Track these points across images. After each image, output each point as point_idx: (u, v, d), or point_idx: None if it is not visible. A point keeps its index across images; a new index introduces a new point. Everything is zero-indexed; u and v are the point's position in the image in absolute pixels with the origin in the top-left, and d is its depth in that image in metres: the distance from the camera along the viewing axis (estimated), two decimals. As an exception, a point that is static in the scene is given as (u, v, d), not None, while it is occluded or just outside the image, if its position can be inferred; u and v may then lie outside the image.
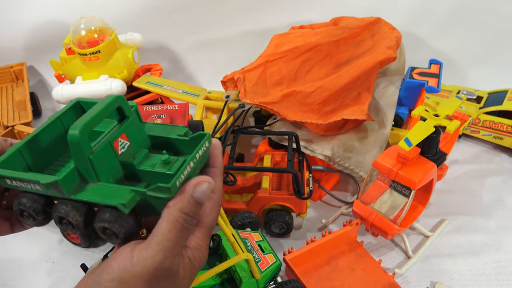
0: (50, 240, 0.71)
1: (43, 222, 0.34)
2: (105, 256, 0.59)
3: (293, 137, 0.69)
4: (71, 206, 0.32)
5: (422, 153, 0.60)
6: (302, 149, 0.71)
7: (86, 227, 0.32)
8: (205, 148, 0.35)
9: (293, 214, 0.69)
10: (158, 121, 0.70)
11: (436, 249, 0.67)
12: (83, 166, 0.32)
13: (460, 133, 0.88)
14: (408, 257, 0.65)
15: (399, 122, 0.82)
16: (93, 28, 0.85)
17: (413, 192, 0.59)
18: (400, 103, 0.83)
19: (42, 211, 0.33)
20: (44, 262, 0.67)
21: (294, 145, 0.70)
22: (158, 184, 0.30)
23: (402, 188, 0.61)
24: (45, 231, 0.72)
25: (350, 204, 0.74)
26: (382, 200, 0.63)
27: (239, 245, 0.53)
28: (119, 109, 0.35)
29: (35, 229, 0.73)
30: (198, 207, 0.32)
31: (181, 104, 0.75)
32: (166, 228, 0.30)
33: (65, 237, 0.69)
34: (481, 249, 0.66)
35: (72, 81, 0.88)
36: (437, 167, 0.61)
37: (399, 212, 0.60)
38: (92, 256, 0.68)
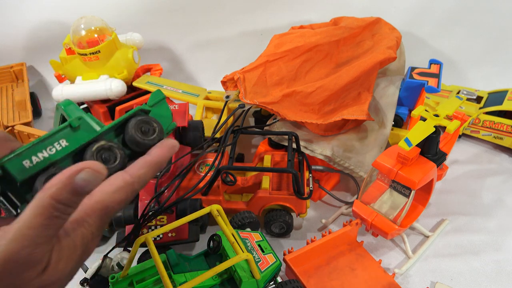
0: (50, 240, 0.71)
1: None
2: (105, 256, 0.59)
3: (293, 137, 0.69)
4: (104, 137, 0.34)
5: (422, 153, 0.61)
6: (302, 149, 0.72)
7: (124, 151, 0.34)
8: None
9: (293, 214, 0.69)
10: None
11: (436, 249, 0.67)
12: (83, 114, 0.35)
13: (460, 133, 0.88)
14: (408, 257, 0.65)
15: (399, 122, 0.82)
16: (93, 28, 0.85)
17: (413, 192, 0.59)
18: (400, 103, 0.83)
19: (73, 160, 0.34)
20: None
21: (294, 145, 0.70)
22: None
23: (402, 188, 0.61)
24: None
25: (350, 204, 0.74)
26: (382, 200, 0.63)
27: (239, 245, 0.53)
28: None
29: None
30: (77, 196, 0.27)
31: (181, 104, 0.75)
32: (30, 214, 0.26)
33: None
34: (481, 249, 0.66)
35: (72, 81, 0.88)
36: (437, 167, 0.61)
37: (399, 212, 0.60)
38: (92, 256, 0.68)
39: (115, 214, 0.31)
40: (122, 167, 0.34)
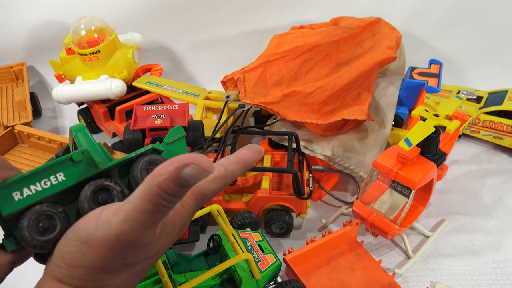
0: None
1: (67, 223, 0.30)
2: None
3: (293, 137, 0.69)
4: (105, 176, 0.32)
5: (422, 153, 0.61)
6: (302, 149, 0.72)
7: (123, 194, 0.32)
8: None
9: (293, 214, 0.69)
10: (158, 121, 0.70)
11: (436, 249, 0.67)
12: (94, 144, 0.33)
13: (460, 133, 0.88)
14: (408, 257, 0.65)
15: (399, 122, 0.82)
16: (93, 28, 0.85)
17: (413, 192, 0.59)
18: (400, 103, 0.83)
19: (64, 202, 0.31)
20: (44, 262, 0.67)
21: (294, 145, 0.70)
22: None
23: (402, 188, 0.61)
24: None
25: (350, 204, 0.74)
26: (382, 200, 0.63)
27: (239, 245, 0.53)
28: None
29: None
30: (183, 188, 0.27)
31: (181, 104, 0.75)
32: (140, 198, 0.27)
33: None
34: (481, 249, 0.66)
35: (72, 81, 0.88)
36: (437, 167, 0.61)
37: (399, 212, 0.60)
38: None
39: (209, 200, 0.33)
40: None
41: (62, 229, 0.30)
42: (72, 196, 0.31)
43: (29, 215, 0.29)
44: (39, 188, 0.30)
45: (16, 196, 0.29)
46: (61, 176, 0.30)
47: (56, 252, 0.29)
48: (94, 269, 0.28)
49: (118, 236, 0.27)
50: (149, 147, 0.34)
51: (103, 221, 0.28)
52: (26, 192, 0.29)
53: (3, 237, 0.30)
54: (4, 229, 0.30)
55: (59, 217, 0.30)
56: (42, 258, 0.32)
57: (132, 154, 0.33)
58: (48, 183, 0.30)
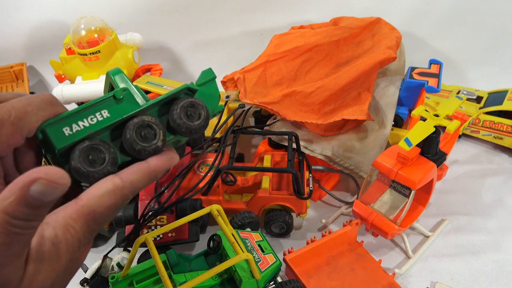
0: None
1: (114, 159, 0.31)
2: (105, 256, 0.59)
3: (293, 137, 0.69)
4: (145, 114, 0.32)
5: (422, 153, 0.61)
6: (302, 149, 0.71)
7: (164, 131, 0.32)
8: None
9: (293, 214, 0.69)
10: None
11: (436, 249, 0.67)
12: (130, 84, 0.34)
13: (460, 133, 0.88)
14: (408, 257, 0.65)
15: (399, 122, 0.82)
16: (93, 28, 0.85)
17: (413, 192, 0.59)
18: (400, 103, 0.83)
19: (110, 139, 0.32)
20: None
21: (294, 145, 0.70)
22: None
23: (402, 188, 0.61)
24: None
25: (350, 204, 0.74)
26: (382, 200, 0.63)
27: (239, 245, 0.53)
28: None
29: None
30: (37, 209, 0.23)
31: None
32: None
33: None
34: (481, 249, 0.66)
35: (72, 81, 0.88)
36: (437, 167, 0.61)
37: (399, 212, 0.60)
38: (92, 256, 0.68)
39: (106, 221, 0.29)
40: (162, 147, 0.32)
41: (109, 160, 0.31)
42: (117, 133, 0.32)
43: (80, 148, 0.30)
44: (86, 124, 0.31)
45: (66, 131, 0.30)
46: (105, 113, 0.32)
47: None
48: None
49: None
50: (184, 86, 0.34)
51: None
52: (75, 127, 0.30)
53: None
54: (55, 164, 0.31)
55: (107, 150, 0.31)
56: None
57: (169, 93, 0.33)
58: (95, 119, 0.31)
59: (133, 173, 0.29)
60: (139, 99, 0.33)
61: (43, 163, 0.33)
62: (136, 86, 0.34)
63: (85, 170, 0.30)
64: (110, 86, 0.36)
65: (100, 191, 0.28)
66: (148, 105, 0.33)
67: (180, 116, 0.33)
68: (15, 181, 0.23)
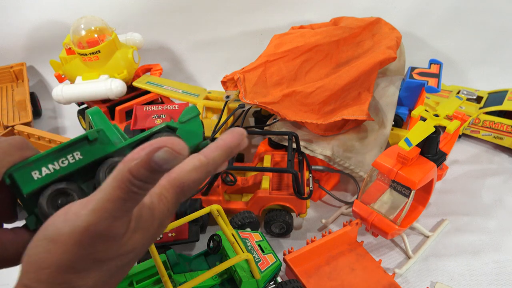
0: (50, 240, 0.71)
1: (83, 195, 0.31)
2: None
3: (293, 137, 0.69)
4: (120, 154, 0.32)
5: (422, 153, 0.60)
6: (302, 149, 0.71)
7: None
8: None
9: (293, 214, 0.69)
10: (158, 121, 0.70)
11: (436, 249, 0.67)
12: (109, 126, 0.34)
13: (460, 133, 0.88)
14: (408, 257, 0.65)
15: (399, 122, 0.82)
16: (93, 28, 0.85)
17: (413, 192, 0.59)
18: (400, 103, 0.83)
19: (82, 180, 0.32)
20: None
21: (294, 145, 0.70)
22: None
23: (402, 188, 0.61)
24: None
25: (350, 204, 0.74)
26: (382, 200, 0.63)
27: (239, 245, 0.53)
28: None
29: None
30: (156, 174, 0.26)
31: (181, 104, 0.75)
32: (110, 187, 0.26)
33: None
34: (481, 249, 0.66)
35: (72, 81, 0.88)
36: (437, 167, 0.61)
37: (399, 212, 0.60)
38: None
39: (191, 193, 0.31)
40: None
41: None
42: (90, 174, 0.32)
43: (47, 193, 0.30)
44: (57, 167, 0.30)
45: (35, 175, 0.30)
46: (78, 155, 0.31)
47: (25, 256, 0.27)
48: (62, 268, 0.26)
49: (87, 228, 0.26)
50: (163, 125, 0.34)
51: (72, 214, 0.26)
52: (44, 171, 0.30)
53: (26, 217, 0.31)
54: (25, 208, 0.31)
55: (76, 193, 0.31)
56: None
57: (147, 133, 0.33)
58: (66, 162, 0.31)
59: (214, 150, 0.31)
60: (115, 140, 0.33)
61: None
62: (114, 126, 0.34)
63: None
64: (89, 125, 0.36)
65: (189, 167, 0.30)
66: (123, 146, 0.33)
67: None
68: (143, 146, 0.26)
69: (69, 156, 0.31)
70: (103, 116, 0.34)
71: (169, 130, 0.34)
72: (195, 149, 0.36)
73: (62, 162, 0.31)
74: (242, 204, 0.69)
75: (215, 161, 0.31)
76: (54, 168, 0.30)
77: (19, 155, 0.30)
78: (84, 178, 0.32)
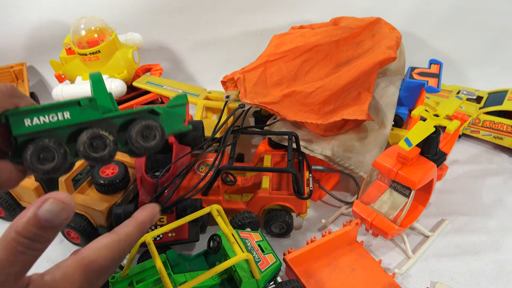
0: (50, 240, 0.71)
1: (64, 159, 0.35)
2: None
3: (293, 137, 0.69)
4: (104, 125, 0.35)
5: (422, 153, 0.60)
6: (302, 149, 0.71)
7: (115, 143, 0.35)
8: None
9: (293, 214, 0.69)
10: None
11: (436, 249, 0.67)
12: (105, 94, 0.36)
13: (460, 133, 0.88)
14: (408, 257, 0.65)
15: (399, 122, 0.82)
16: (93, 28, 0.85)
17: (413, 192, 0.59)
18: (400, 103, 0.83)
19: (67, 140, 0.35)
20: (44, 262, 0.67)
21: (294, 145, 0.70)
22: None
23: (402, 188, 0.61)
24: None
25: (350, 204, 0.74)
26: (382, 200, 0.63)
27: (239, 245, 0.53)
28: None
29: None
30: (44, 230, 0.26)
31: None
32: None
33: (65, 237, 0.69)
34: (481, 249, 0.66)
35: (72, 81, 0.88)
36: (437, 167, 0.61)
37: (399, 212, 0.60)
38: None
39: (106, 274, 0.31)
40: (110, 157, 0.35)
41: (57, 164, 0.34)
42: (74, 138, 0.35)
43: (34, 145, 0.33)
44: (46, 120, 0.34)
45: (27, 122, 0.33)
46: (67, 115, 0.34)
47: None
48: None
49: None
50: (149, 107, 0.36)
51: None
52: (35, 121, 0.34)
53: (11, 154, 0.35)
54: (14, 149, 0.34)
55: (58, 153, 0.34)
56: None
57: (131, 111, 0.36)
58: (55, 118, 0.34)
59: (127, 227, 0.32)
60: (105, 110, 0.36)
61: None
62: (110, 95, 0.36)
63: (33, 167, 0.33)
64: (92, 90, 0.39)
65: (99, 244, 0.30)
66: (108, 117, 0.36)
67: (136, 139, 0.36)
68: (29, 207, 0.26)
69: (59, 113, 0.34)
70: (102, 84, 0.37)
71: (152, 113, 0.36)
72: (179, 136, 0.37)
73: (52, 118, 0.34)
74: (242, 204, 0.69)
75: (127, 238, 0.31)
76: (44, 121, 0.34)
77: (10, 102, 0.33)
78: (68, 140, 0.35)
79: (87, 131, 0.35)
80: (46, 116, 0.34)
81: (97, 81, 0.36)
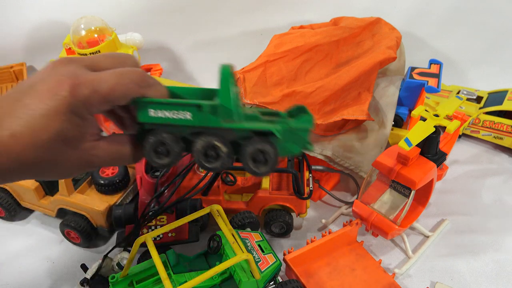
0: (50, 240, 0.71)
1: (178, 157, 0.37)
2: (105, 256, 0.59)
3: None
4: (219, 135, 0.35)
5: (422, 153, 0.60)
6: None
7: (229, 156, 0.36)
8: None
9: (293, 214, 0.69)
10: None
11: (436, 249, 0.67)
12: (230, 101, 0.35)
13: (460, 133, 0.88)
14: (408, 257, 0.65)
15: (399, 122, 0.82)
16: (93, 28, 0.85)
17: (413, 192, 0.59)
18: (400, 103, 0.83)
19: (184, 140, 0.37)
20: (44, 262, 0.67)
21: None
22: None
23: (402, 188, 0.61)
24: (45, 231, 0.72)
25: (350, 204, 0.74)
26: (382, 200, 0.63)
27: (239, 245, 0.53)
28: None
29: (35, 229, 0.73)
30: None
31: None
32: None
33: (65, 237, 0.69)
34: (481, 249, 0.66)
35: (72, 81, 0.88)
36: (437, 167, 0.61)
37: (399, 212, 0.60)
38: (92, 256, 0.68)
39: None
40: (222, 169, 0.36)
41: (171, 161, 0.37)
42: (191, 138, 0.37)
43: (154, 138, 0.36)
44: (169, 116, 0.36)
45: (151, 112, 0.36)
46: (188, 115, 0.35)
47: None
48: None
49: None
50: (271, 128, 0.35)
51: None
52: (159, 113, 0.36)
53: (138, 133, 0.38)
54: (138, 133, 0.37)
55: (174, 150, 0.36)
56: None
57: (252, 127, 0.35)
58: (177, 116, 0.36)
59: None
60: (224, 114, 0.35)
61: None
62: (236, 95, 0.35)
63: (150, 158, 0.37)
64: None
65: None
66: (226, 127, 0.35)
67: (247, 161, 0.36)
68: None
69: (181, 112, 0.35)
70: (229, 80, 0.35)
71: (272, 136, 0.35)
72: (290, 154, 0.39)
73: (174, 114, 0.36)
74: (242, 204, 0.69)
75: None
76: (166, 115, 0.36)
77: (137, 91, 0.35)
78: (185, 139, 0.37)
79: (202, 139, 0.35)
80: (169, 112, 0.35)
81: (225, 77, 0.35)
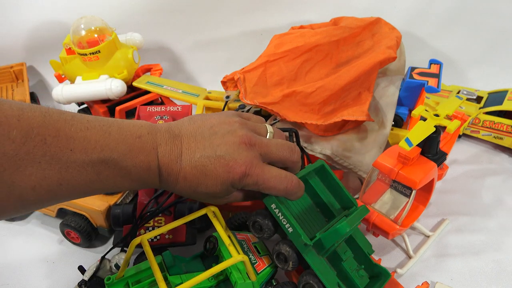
0: (50, 240, 0.71)
1: (269, 235, 0.51)
2: (103, 258, 0.58)
3: (294, 133, 0.69)
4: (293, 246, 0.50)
5: (422, 153, 0.60)
6: (302, 149, 0.71)
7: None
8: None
9: (293, 214, 0.69)
10: (161, 122, 0.70)
11: (436, 249, 0.67)
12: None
13: (460, 133, 0.88)
14: (409, 257, 0.65)
15: (399, 122, 0.82)
16: (93, 28, 0.85)
17: (414, 192, 0.59)
18: (400, 103, 0.83)
19: (273, 232, 0.51)
20: (44, 262, 0.67)
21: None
22: None
23: (403, 188, 0.61)
24: (45, 231, 0.72)
25: (350, 204, 0.74)
26: (383, 200, 0.63)
27: (235, 247, 0.53)
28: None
29: (35, 229, 0.73)
30: None
31: (184, 106, 0.75)
32: None
33: (65, 237, 0.69)
34: (481, 249, 0.66)
35: (72, 81, 0.88)
36: (438, 166, 0.61)
37: (400, 212, 0.60)
38: (92, 256, 0.68)
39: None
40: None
41: (265, 234, 0.52)
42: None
43: (262, 221, 0.51)
44: (280, 218, 0.49)
45: (273, 206, 0.49)
46: (290, 230, 0.48)
47: None
48: None
49: None
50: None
51: None
52: (277, 212, 0.49)
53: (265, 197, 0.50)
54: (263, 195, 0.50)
55: (264, 231, 0.52)
56: None
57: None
58: (284, 223, 0.49)
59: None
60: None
61: None
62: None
63: (253, 232, 0.53)
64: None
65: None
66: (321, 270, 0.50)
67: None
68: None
69: (287, 226, 0.48)
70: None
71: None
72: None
73: (283, 222, 0.48)
74: (247, 202, 0.69)
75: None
76: (278, 216, 0.49)
77: (282, 195, 0.49)
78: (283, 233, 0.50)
79: (282, 245, 0.51)
80: (282, 218, 0.48)
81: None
